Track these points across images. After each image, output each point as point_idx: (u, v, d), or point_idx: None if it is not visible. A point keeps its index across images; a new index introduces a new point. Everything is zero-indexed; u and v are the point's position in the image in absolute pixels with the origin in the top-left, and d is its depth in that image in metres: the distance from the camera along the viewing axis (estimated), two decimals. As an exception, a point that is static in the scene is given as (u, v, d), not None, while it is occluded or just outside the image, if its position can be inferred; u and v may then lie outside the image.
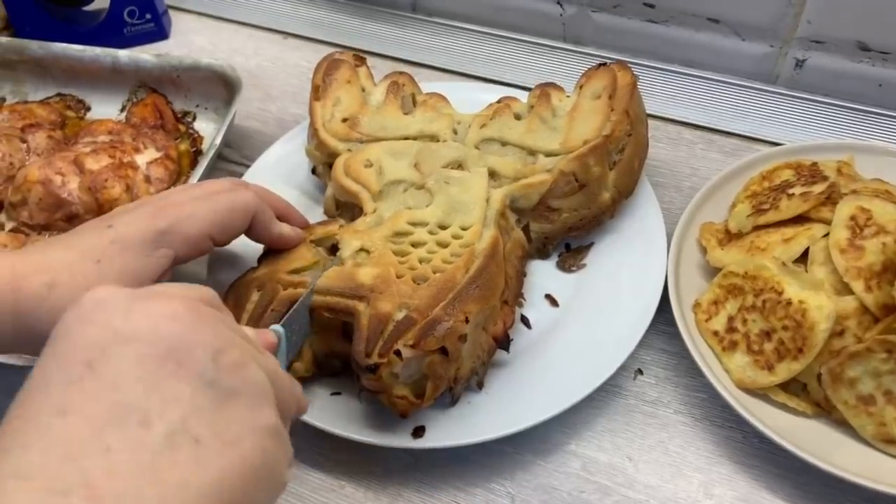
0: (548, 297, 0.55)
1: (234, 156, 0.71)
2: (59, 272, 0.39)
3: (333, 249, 0.50)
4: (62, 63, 0.73)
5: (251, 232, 0.47)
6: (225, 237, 0.45)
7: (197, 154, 0.69)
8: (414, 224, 0.51)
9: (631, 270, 0.55)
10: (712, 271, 0.55)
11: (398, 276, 0.47)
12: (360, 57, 0.64)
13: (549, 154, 0.55)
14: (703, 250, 0.56)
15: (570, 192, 0.54)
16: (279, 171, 0.63)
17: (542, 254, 0.58)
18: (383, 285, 0.46)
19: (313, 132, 0.60)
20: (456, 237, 0.50)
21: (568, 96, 0.60)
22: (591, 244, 0.58)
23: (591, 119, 0.56)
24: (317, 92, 0.61)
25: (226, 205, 0.45)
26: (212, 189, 0.46)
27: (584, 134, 0.55)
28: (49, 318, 0.38)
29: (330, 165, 0.59)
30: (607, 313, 0.52)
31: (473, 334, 0.46)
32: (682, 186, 0.65)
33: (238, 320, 0.44)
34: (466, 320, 0.45)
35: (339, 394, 0.49)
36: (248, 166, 0.67)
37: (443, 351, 0.44)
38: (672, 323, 0.51)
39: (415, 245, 0.49)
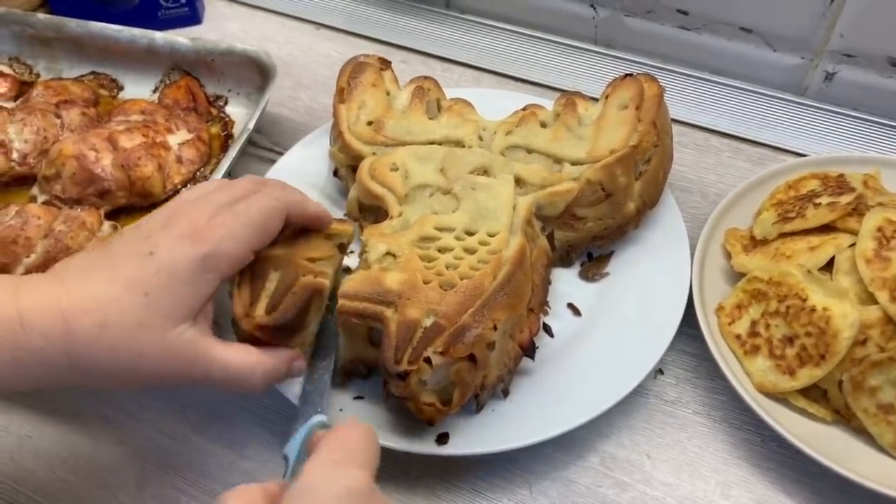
0: (570, 306, 0.59)
1: (264, 142, 0.76)
2: (109, 310, 0.40)
3: (342, 248, 0.53)
4: (98, 42, 0.78)
5: (288, 222, 0.48)
6: (264, 244, 0.46)
7: (228, 138, 0.73)
8: (440, 229, 0.54)
9: (655, 280, 0.59)
10: (736, 276, 0.59)
11: (425, 282, 0.51)
12: (385, 60, 0.68)
13: (574, 163, 0.59)
14: (728, 255, 0.60)
15: (596, 201, 0.58)
16: (300, 173, 0.67)
17: (566, 262, 0.62)
18: (411, 291, 0.50)
19: (338, 134, 0.64)
20: (483, 244, 0.53)
21: (595, 100, 0.64)
22: (612, 253, 0.62)
23: (618, 129, 0.60)
24: (342, 94, 0.66)
25: (259, 214, 0.45)
26: (238, 193, 0.46)
27: (611, 144, 0.59)
28: (104, 358, 0.41)
29: (354, 168, 0.63)
30: (631, 323, 0.56)
31: (501, 342, 0.50)
32: (708, 193, 0.69)
33: (256, 294, 0.47)
34: (495, 328, 0.48)
35: (361, 398, 0.53)
36: (276, 152, 0.73)
37: (471, 358, 0.47)
38: (694, 325, 0.55)
39: (441, 250, 0.53)
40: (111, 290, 0.41)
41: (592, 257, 0.62)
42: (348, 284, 0.50)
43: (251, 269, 0.48)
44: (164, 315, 0.41)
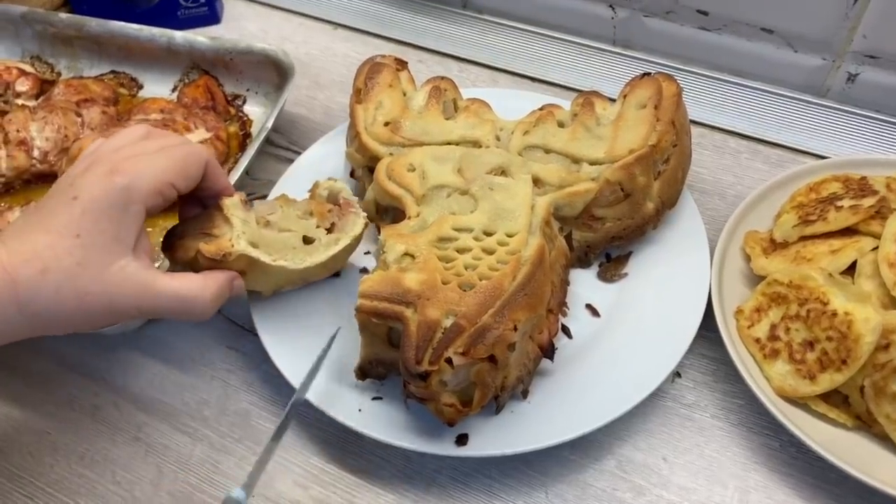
0: (588, 307, 0.59)
1: (281, 140, 0.76)
2: (46, 256, 0.43)
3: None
4: (118, 41, 0.79)
5: (203, 183, 0.50)
6: (185, 184, 0.48)
7: (245, 137, 0.74)
8: (459, 230, 0.54)
9: (674, 281, 0.58)
10: (755, 279, 0.58)
11: (444, 283, 0.50)
12: (401, 61, 0.68)
13: (593, 163, 0.59)
14: (747, 258, 0.59)
15: (614, 201, 0.58)
16: (316, 173, 0.66)
17: (584, 263, 0.61)
18: (430, 291, 0.50)
19: (355, 135, 0.64)
20: (502, 244, 0.53)
21: (612, 100, 0.63)
22: (630, 253, 0.61)
23: (637, 129, 0.59)
24: (358, 95, 0.65)
25: (180, 155, 0.48)
26: (164, 143, 0.48)
27: (630, 143, 0.58)
28: (51, 301, 0.43)
29: (370, 169, 0.63)
30: (650, 325, 0.56)
31: (521, 343, 0.50)
32: (726, 194, 0.68)
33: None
34: (515, 328, 0.48)
35: (379, 398, 0.53)
36: (294, 151, 0.73)
37: (491, 359, 0.47)
38: (712, 328, 0.55)
39: (460, 251, 0.53)
40: (45, 238, 0.44)
41: (611, 258, 0.62)
42: (367, 284, 0.50)
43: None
44: (100, 252, 0.44)
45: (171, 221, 0.54)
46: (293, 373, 0.53)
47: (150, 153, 0.47)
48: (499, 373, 0.49)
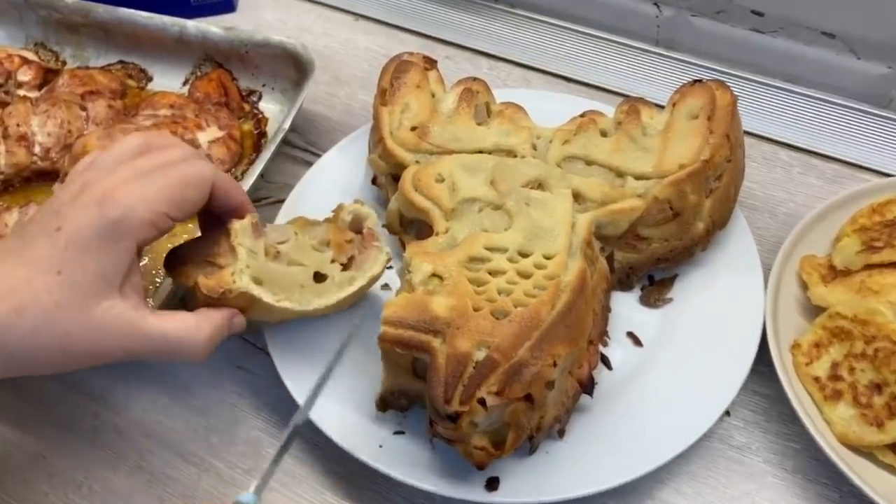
0: (630, 335, 0.54)
1: (299, 141, 0.71)
2: (22, 294, 0.39)
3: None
4: (126, 29, 0.74)
5: (213, 203, 0.45)
6: (182, 213, 0.43)
7: (260, 136, 0.69)
8: (491, 249, 0.50)
9: (724, 310, 0.53)
10: (813, 309, 0.53)
11: (475, 309, 0.46)
12: (430, 59, 0.63)
13: (639, 177, 0.54)
14: (804, 285, 0.55)
15: (662, 220, 0.53)
16: (334, 179, 0.63)
17: (625, 285, 0.56)
18: (460, 319, 0.45)
19: (378, 140, 0.59)
20: (539, 267, 0.48)
21: (660, 107, 0.58)
22: (676, 276, 0.57)
23: (688, 141, 0.54)
24: (384, 96, 0.61)
25: (178, 179, 0.43)
26: (160, 161, 0.44)
27: (680, 157, 0.53)
28: (28, 343, 0.39)
29: (394, 177, 0.58)
30: (698, 357, 0.51)
31: (560, 379, 0.45)
32: (777, 212, 0.63)
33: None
34: (554, 364, 0.44)
35: (402, 433, 0.49)
36: (312, 152, 0.69)
37: (528, 398, 0.43)
38: (766, 362, 0.50)
39: (493, 273, 0.48)
40: (22, 273, 0.40)
41: (654, 281, 0.57)
42: (391, 309, 0.46)
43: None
44: (83, 291, 0.40)
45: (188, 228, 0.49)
46: (305, 392, 0.49)
47: (144, 175, 0.43)
48: (535, 413, 0.45)
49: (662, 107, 0.58)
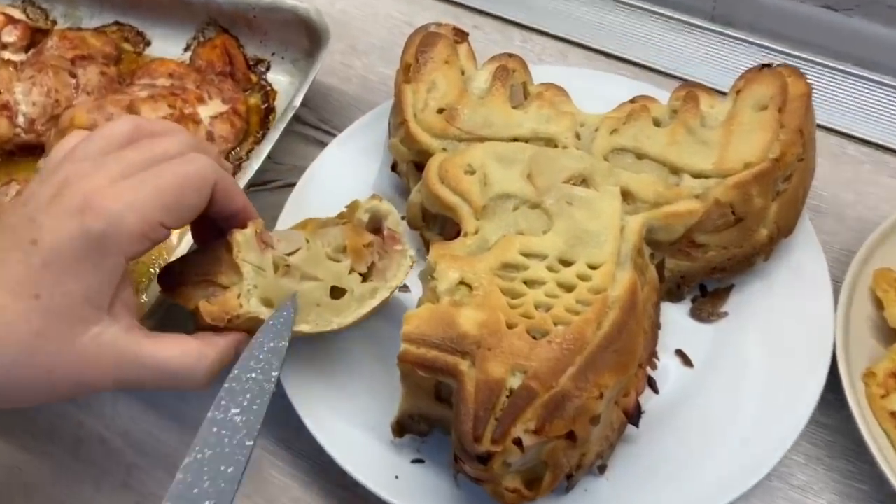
0: (679, 352, 0.48)
1: (311, 118, 0.65)
2: None
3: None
4: None
5: (211, 207, 0.40)
6: (179, 220, 0.38)
7: (268, 111, 0.63)
8: (528, 255, 0.43)
9: (787, 327, 0.47)
10: (890, 332, 0.48)
11: (509, 326, 0.40)
12: (461, 32, 0.56)
13: (697, 175, 0.47)
14: (878, 303, 0.48)
15: (723, 226, 0.47)
16: (350, 163, 0.57)
17: (674, 296, 0.50)
18: (492, 338, 0.39)
19: (401, 122, 0.52)
20: (583, 278, 0.42)
21: (721, 94, 0.51)
22: (732, 287, 0.50)
23: (755, 136, 0.47)
24: (407, 72, 0.54)
25: (175, 179, 0.37)
26: (154, 154, 0.38)
27: (746, 154, 0.47)
28: (5, 377, 0.34)
29: (417, 165, 0.52)
30: (759, 380, 0.46)
31: (606, 412, 0.39)
32: (845, 216, 0.56)
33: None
34: (601, 395, 0.38)
35: (420, 461, 0.43)
36: (324, 130, 0.63)
37: (570, 436, 0.37)
38: (834, 388, 0.44)
39: (529, 284, 0.42)
40: None
41: (707, 292, 0.51)
42: (413, 324, 0.40)
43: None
44: (65, 318, 0.35)
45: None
46: (314, 412, 0.44)
47: (134, 174, 0.36)
48: (576, 451, 0.39)
49: (723, 94, 0.52)
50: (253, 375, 0.37)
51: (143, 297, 0.52)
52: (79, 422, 0.49)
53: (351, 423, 0.44)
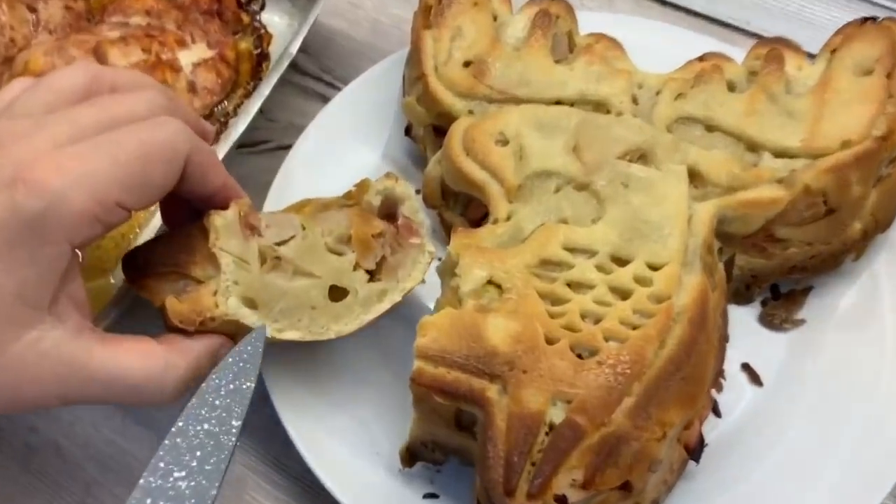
0: (745, 367, 0.40)
1: (311, 66, 0.57)
2: None
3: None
4: None
5: (184, 184, 0.32)
6: (141, 200, 0.30)
7: (262, 58, 0.55)
8: (573, 250, 0.36)
9: (880, 340, 0.40)
10: None
11: (549, 341, 0.33)
12: (494, -34, 0.46)
13: (780, 154, 0.39)
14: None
15: (810, 218, 0.39)
16: (355, 125, 0.48)
17: (741, 298, 0.42)
18: (528, 357, 0.32)
19: (418, 77, 0.44)
20: (641, 282, 0.34)
21: (811, 55, 0.42)
22: (810, 289, 0.42)
23: (856, 107, 0.39)
24: (428, 15, 0.45)
25: (136, 149, 0.29)
26: (110, 115, 0.30)
27: (844, 130, 0.38)
28: None
29: (438, 130, 0.44)
30: (845, 406, 0.38)
31: (667, 453, 0.32)
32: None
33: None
34: (664, 435, 0.30)
35: (434, 497, 0.36)
36: (327, 83, 0.55)
37: (624, 485, 0.30)
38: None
39: (574, 286, 0.35)
40: None
41: (779, 294, 0.43)
42: (429, 335, 0.32)
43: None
44: None
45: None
46: (307, 430, 0.37)
47: (86, 140, 0.29)
48: (630, 501, 0.31)
49: (812, 55, 0.42)
50: (206, 427, 0.29)
51: (111, 279, 0.44)
52: (32, 426, 0.41)
53: (351, 449, 0.37)
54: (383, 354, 0.40)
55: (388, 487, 0.36)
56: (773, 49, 0.42)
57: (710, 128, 0.40)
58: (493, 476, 0.29)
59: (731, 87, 0.42)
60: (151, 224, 0.45)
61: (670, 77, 0.42)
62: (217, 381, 0.31)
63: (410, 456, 0.36)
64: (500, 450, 0.30)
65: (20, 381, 0.29)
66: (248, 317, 0.32)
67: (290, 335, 0.33)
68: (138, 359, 0.31)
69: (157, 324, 0.33)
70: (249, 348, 0.32)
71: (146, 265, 0.34)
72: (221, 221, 0.32)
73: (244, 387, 0.31)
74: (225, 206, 0.33)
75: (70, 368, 0.30)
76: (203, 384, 0.30)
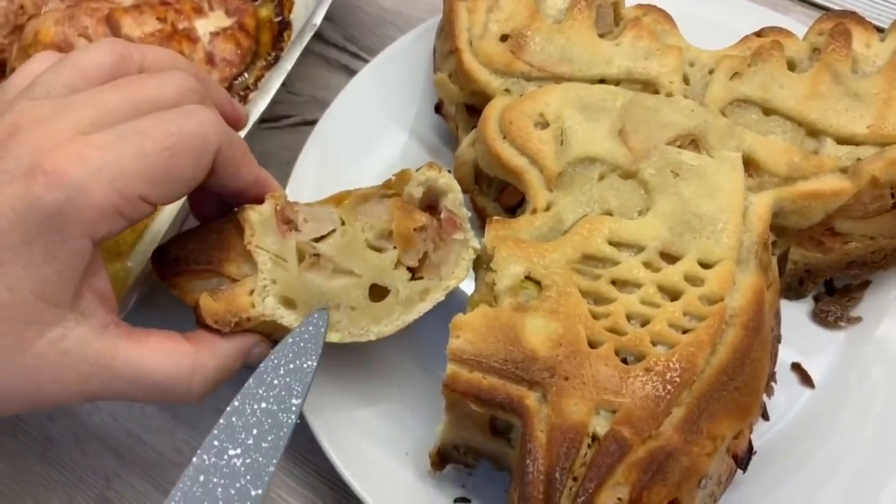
0: (796, 367, 0.39)
1: (335, 36, 0.54)
2: None
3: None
4: None
5: (213, 178, 0.31)
6: (166, 195, 0.29)
7: (283, 27, 0.53)
8: (618, 245, 0.34)
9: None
10: None
11: (592, 345, 0.31)
12: (534, -70, 0.43)
13: (844, 140, 0.37)
14: None
15: (875, 211, 0.36)
16: (382, 101, 0.46)
17: (793, 293, 0.40)
18: (570, 363, 0.30)
19: (451, 51, 0.41)
20: (692, 281, 0.32)
21: (880, 30, 0.39)
22: (867, 285, 0.40)
23: (931, 89, 0.36)
24: (462, -16, 0.42)
25: (163, 141, 0.28)
26: (137, 99, 0.29)
27: (918, 115, 0.35)
28: None
29: (471, 109, 0.42)
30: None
31: (716, 465, 0.30)
32: None
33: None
34: (715, 450, 0.29)
35: (466, 501, 0.35)
36: (352, 53, 0.53)
37: (672, 503, 0.28)
38: None
39: (619, 285, 0.33)
40: None
41: (834, 289, 0.40)
42: (463, 336, 0.31)
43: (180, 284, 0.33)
44: (13, 321, 0.27)
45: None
46: (334, 429, 0.36)
47: (111, 127, 0.28)
48: (676, 517, 0.30)
49: (883, 30, 0.39)
50: (263, 406, 0.28)
51: (128, 262, 0.42)
52: (50, 416, 0.41)
53: (381, 450, 0.36)
54: (412, 346, 0.39)
55: (417, 490, 0.35)
56: (840, 24, 0.39)
57: (768, 111, 0.38)
58: (532, 492, 0.28)
59: (792, 66, 0.39)
60: (169, 208, 0.44)
61: (725, 54, 0.39)
62: (276, 360, 0.30)
63: (441, 459, 0.34)
64: (541, 464, 0.28)
65: (42, 381, 0.28)
66: (287, 317, 0.31)
67: (330, 337, 0.32)
68: (165, 358, 0.30)
69: (179, 310, 0.32)
70: (311, 328, 0.31)
71: (178, 262, 0.32)
72: (257, 217, 0.31)
73: (305, 366, 0.30)
74: (258, 200, 0.32)
75: (94, 367, 0.29)
76: (261, 364, 0.30)
